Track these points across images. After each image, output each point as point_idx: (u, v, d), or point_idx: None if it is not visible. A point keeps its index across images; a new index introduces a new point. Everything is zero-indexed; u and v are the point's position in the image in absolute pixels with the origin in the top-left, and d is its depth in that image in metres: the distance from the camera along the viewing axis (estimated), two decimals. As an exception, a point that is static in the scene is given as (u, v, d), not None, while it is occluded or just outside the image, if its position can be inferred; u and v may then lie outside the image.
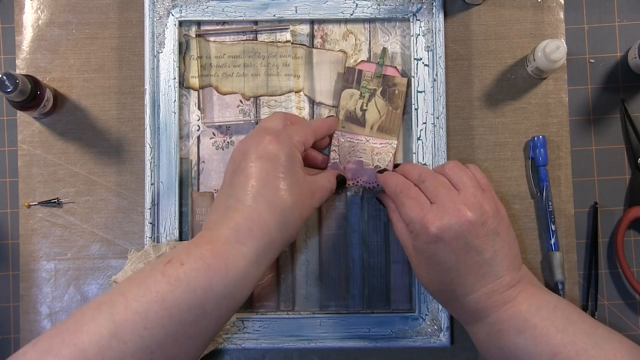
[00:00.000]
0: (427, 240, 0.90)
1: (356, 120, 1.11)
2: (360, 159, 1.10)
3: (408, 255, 0.98)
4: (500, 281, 0.89)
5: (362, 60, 1.12)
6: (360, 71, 1.11)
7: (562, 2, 1.12)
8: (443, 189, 0.92)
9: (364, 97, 1.11)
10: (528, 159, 1.11)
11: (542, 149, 1.09)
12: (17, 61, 1.13)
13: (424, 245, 0.91)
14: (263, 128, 0.95)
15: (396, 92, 1.11)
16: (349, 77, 1.11)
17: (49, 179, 1.12)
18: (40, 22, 1.13)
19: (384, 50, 1.12)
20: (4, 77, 1.00)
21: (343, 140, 1.10)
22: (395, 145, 1.10)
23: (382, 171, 1.06)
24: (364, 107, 1.11)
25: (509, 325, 0.88)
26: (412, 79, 1.10)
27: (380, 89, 1.11)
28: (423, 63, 1.10)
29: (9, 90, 1.00)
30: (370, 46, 1.12)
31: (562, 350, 0.83)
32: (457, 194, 0.91)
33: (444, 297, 0.95)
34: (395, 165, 1.08)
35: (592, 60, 1.13)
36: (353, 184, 1.10)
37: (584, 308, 1.10)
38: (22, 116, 1.12)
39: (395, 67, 1.12)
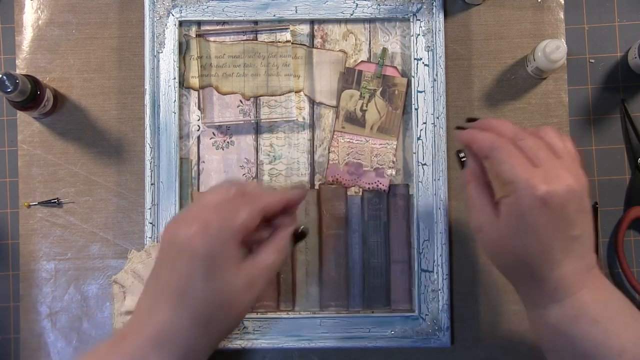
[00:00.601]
0: (531, 204, 0.78)
1: (356, 120, 1.11)
2: (359, 161, 1.10)
3: (484, 225, 0.84)
4: (583, 261, 0.81)
5: (361, 61, 1.12)
6: (360, 72, 1.11)
7: (562, 2, 1.12)
8: (545, 152, 0.82)
9: (364, 97, 1.11)
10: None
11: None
12: (17, 61, 1.13)
13: (526, 210, 0.78)
14: (200, 207, 0.81)
15: (396, 92, 1.11)
16: (349, 78, 1.12)
17: (49, 179, 1.12)
18: (40, 22, 1.13)
19: (384, 50, 1.12)
20: (4, 77, 1.00)
21: (342, 141, 1.10)
22: (395, 146, 1.10)
23: (461, 127, 0.90)
24: (364, 108, 1.11)
25: (586, 312, 0.80)
26: (412, 79, 1.10)
27: (380, 89, 1.11)
28: (423, 63, 1.10)
29: (9, 90, 1.00)
30: (370, 46, 1.12)
31: (630, 349, 0.78)
32: (559, 161, 0.81)
33: (523, 273, 0.84)
34: (470, 120, 0.93)
35: (592, 60, 1.13)
36: (352, 185, 1.10)
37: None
38: (22, 116, 1.12)
39: (395, 67, 1.12)
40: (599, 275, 0.83)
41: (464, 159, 0.90)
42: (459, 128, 0.89)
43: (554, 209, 0.78)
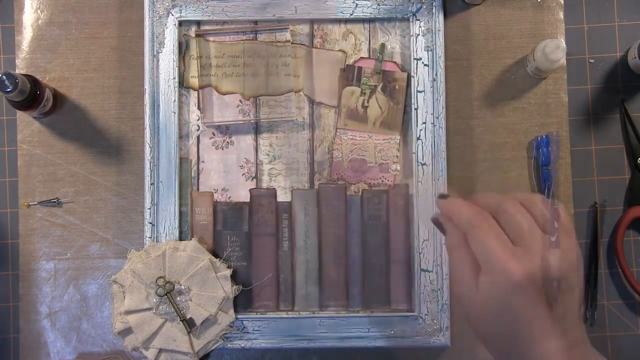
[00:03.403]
0: (507, 289, 0.74)
1: (358, 117, 1.11)
2: (363, 157, 1.10)
3: (463, 296, 0.80)
4: (566, 338, 0.76)
5: (361, 57, 1.12)
6: (360, 68, 1.12)
7: (562, 2, 1.12)
8: (528, 228, 0.77)
9: (364, 94, 1.11)
10: (531, 158, 1.11)
11: (545, 149, 1.09)
12: (16, 61, 1.13)
13: (502, 293, 0.75)
14: None
15: (397, 87, 1.11)
16: (349, 75, 1.12)
17: (48, 178, 1.12)
18: (40, 21, 1.13)
19: (382, 45, 1.12)
20: (4, 77, 1.00)
21: (345, 138, 1.11)
22: (398, 141, 1.10)
23: (444, 196, 0.85)
24: (365, 104, 1.11)
25: None
26: (412, 78, 1.10)
27: (381, 84, 1.11)
28: (423, 63, 1.10)
29: (9, 90, 1.00)
30: (370, 46, 1.13)
31: None
32: (543, 237, 0.77)
33: (501, 348, 0.80)
34: (443, 196, 0.85)
35: (592, 60, 1.13)
36: (356, 181, 1.10)
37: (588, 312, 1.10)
38: (22, 116, 1.12)
39: (395, 62, 1.12)
40: (584, 351, 0.80)
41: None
42: (442, 197, 0.84)
43: (531, 293, 0.74)
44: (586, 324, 1.10)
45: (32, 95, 1.04)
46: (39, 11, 1.13)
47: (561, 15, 1.12)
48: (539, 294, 0.74)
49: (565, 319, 0.77)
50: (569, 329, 0.77)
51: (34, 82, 1.05)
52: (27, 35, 1.13)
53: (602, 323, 1.10)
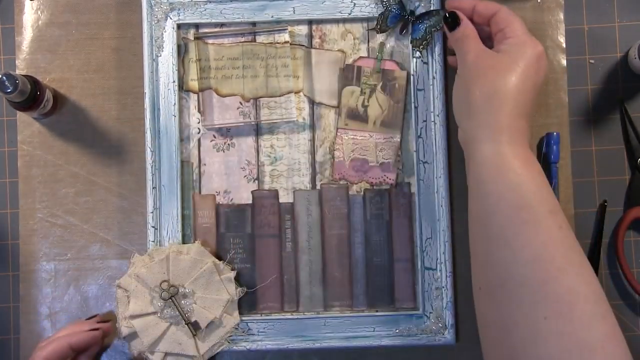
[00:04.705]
0: (532, 53, 0.93)
1: (358, 117, 1.11)
2: (364, 157, 1.10)
3: (479, 54, 0.97)
4: (519, 117, 0.91)
5: (360, 57, 1.12)
6: (359, 67, 1.12)
7: (562, 2, 1.13)
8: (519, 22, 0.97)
9: (364, 93, 1.11)
10: (540, 155, 1.12)
11: (555, 146, 1.09)
12: (17, 61, 1.13)
13: (524, 56, 0.93)
14: None
15: (396, 85, 1.11)
16: (349, 74, 1.12)
17: (48, 179, 1.12)
18: (40, 22, 1.13)
19: (381, 44, 1.12)
20: (4, 78, 0.99)
21: (346, 138, 1.11)
22: (399, 139, 1.11)
23: None
24: (366, 103, 1.11)
25: (506, 160, 0.89)
26: (412, 77, 1.11)
27: (381, 83, 1.11)
28: (422, 61, 1.10)
29: (9, 90, 0.99)
30: (368, 45, 1.12)
31: (559, 212, 0.86)
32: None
33: (476, 108, 0.94)
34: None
35: (592, 61, 1.13)
36: (358, 181, 1.11)
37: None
38: (22, 117, 1.12)
39: (394, 61, 1.12)
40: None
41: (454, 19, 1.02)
42: None
43: (541, 65, 0.94)
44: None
45: (32, 96, 1.04)
46: (39, 12, 1.13)
47: (561, 15, 1.12)
48: (540, 69, 0.95)
49: (523, 96, 0.93)
50: (522, 107, 0.93)
51: (34, 82, 1.05)
52: (27, 36, 1.13)
53: (602, 323, 1.11)
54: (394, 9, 1.08)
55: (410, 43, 1.10)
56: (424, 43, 1.08)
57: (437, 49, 1.09)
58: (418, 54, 1.10)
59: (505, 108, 0.90)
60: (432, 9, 1.09)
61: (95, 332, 1.02)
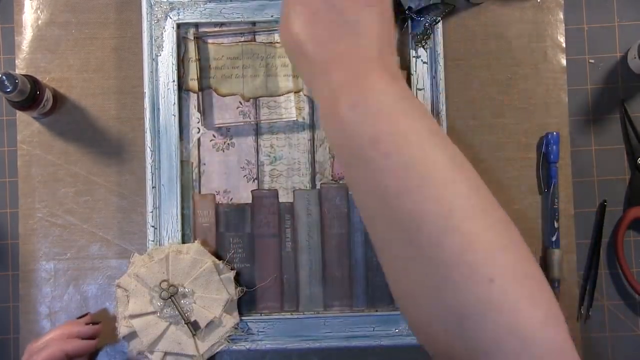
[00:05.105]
0: None
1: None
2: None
3: None
4: (361, 49, 0.75)
5: (360, 56, 1.12)
6: (359, 67, 1.12)
7: (562, 2, 1.13)
8: None
9: (364, 92, 1.11)
10: (539, 155, 1.12)
11: (555, 146, 1.09)
12: (16, 61, 1.13)
13: None
14: None
15: (396, 85, 1.11)
16: (349, 75, 1.12)
17: (48, 179, 1.12)
18: (39, 22, 1.13)
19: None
20: (4, 77, 0.99)
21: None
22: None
23: None
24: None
25: (347, 95, 0.71)
26: (412, 76, 1.10)
27: (381, 83, 1.11)
28: (422, 61, 1.10)
29: (9, 90, 0.99)
30: (369, 45, 1.12)
31: (386, 139, 0.68)
32: None
33: (304, 46, 0.77)
34: None
35: (592, 60, 1.13)
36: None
37: (583, 308, 1.11)
38: (21, 116, 1.12)
39: (394, 60, 1.12)
40: (382, 72, 0.74)
41: None
42: None
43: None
44: (583, 322, 1.11)
45: (32, 96, 1.04)
46: (38, 11, 1.13)
47: (561, 15, 1.12)
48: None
49: (358, 27, 0.76)
50: (363, 41, 0.75)
51: (33, 82, 1.05)
52: (27, 35, 1.13)
53: (602, 323, 1.11)
54: (392, 6, 1.08)
55: (412, 39, 1.10)
56: (424, 38, 1.08)
57: (438, 49, 1.09)
58: (418, 53, 1.10)
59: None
60: (431, 3, 1.09)
61: (91, 342, 1.03)
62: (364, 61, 0.75)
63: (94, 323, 1.05)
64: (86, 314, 1.08)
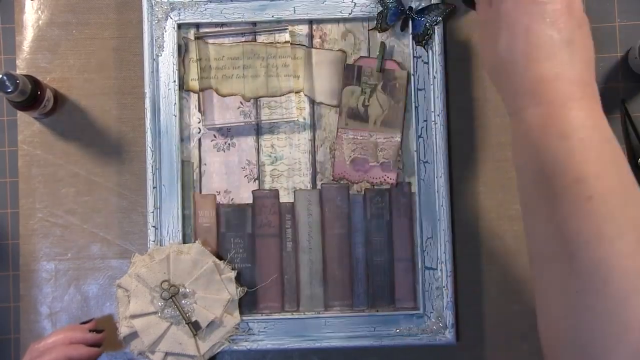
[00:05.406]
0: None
1: (359, 116, 1.11)
2: (365, 156, 1.10)
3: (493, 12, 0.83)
4: (573, 72, 0.77)
5: (361, 56, 1.12)
6: (359, 67, 1.12)
7: (562, 2, 1.13)
8: None
9: (365, 93, 1.11)
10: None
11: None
12: (17, 61, 1.13)
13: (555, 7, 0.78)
14: None
15: (397, 85, 1.11)
16: (349, 74, 1.12)
17: (49, 179, 1.12)
18: (40, 22, 1.13)
19: (382, 44, 1.12)
20: (4, 78, 0.99)
21: (347, 137, 1.11)
22: (399, 139, 1.11)
23: None
24: (366, 103, 1.11)
25: (558, 123, 0.74)
26: (412, 77, 1.11)
27: (381, 83, 1.11)
28: (422, 61, 1.10)
29: (9, 90, 0.99)
30: (369, 45, 1.12)
31: (589, 180, 0.70)
32: None
33: (513, 64, 0.80)
34: None
35: (592, 60, 1.13)
36: (359, 181, 1.11)
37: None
38: (22, 116, 1.12)
39: (394, 61, 1.12)
40: (593, 102, 0.77)
41: None
42: None
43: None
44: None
45: (32, 96, 1.04)
46: (39, 12, 1.13)
47: (561, 15, 1.12)
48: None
49: (574, 49, 0.78)
50: (572, 60, 0.77)
51: (34, 82, 1.05)
52: (27, 35, 1.13)
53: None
54: (393, 6, 1.08)
55: (413, 39, 1.10)
56: (425, 38, 1.08)
57: (438, 49, 1.09)
58: (418, 53, 1.10)
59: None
60: (431, 3, 1.09)
61: (97, 349, 1.03)
62: (576, 84, 0.76)
63: (98, 331, 1.05)
64: (91, 320, 1.08)
